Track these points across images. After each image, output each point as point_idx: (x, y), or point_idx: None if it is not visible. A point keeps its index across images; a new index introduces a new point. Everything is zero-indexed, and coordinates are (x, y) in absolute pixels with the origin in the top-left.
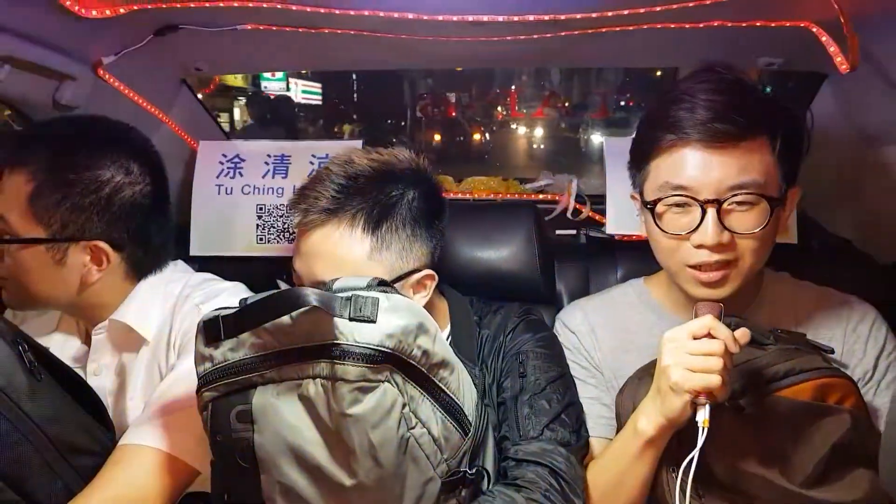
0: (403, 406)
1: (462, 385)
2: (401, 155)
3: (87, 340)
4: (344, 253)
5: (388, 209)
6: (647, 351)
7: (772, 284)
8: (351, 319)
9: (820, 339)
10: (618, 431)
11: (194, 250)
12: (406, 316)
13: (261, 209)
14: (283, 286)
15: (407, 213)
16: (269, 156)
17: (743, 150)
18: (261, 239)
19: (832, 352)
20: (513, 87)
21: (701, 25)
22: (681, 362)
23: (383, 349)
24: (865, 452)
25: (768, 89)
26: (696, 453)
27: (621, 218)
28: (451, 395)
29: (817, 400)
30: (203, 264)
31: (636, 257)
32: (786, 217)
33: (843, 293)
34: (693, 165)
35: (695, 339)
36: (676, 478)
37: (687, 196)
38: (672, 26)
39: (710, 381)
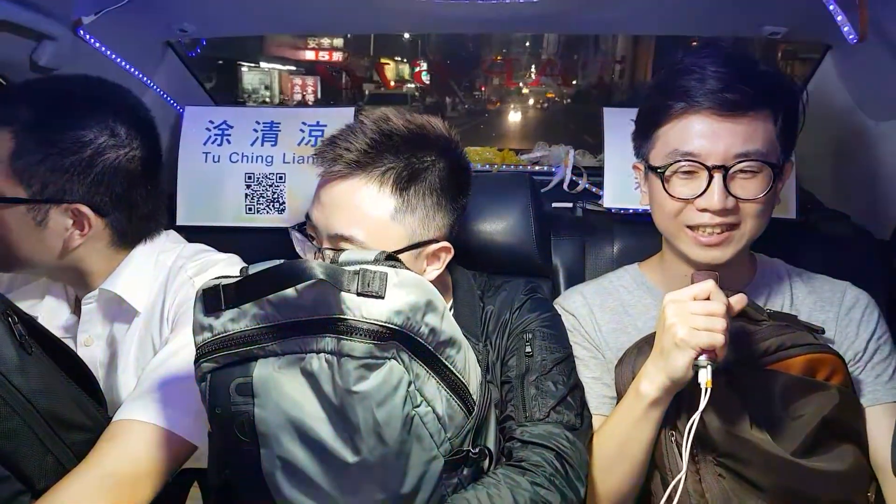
0: (409, 384)
1: (468, 364)
2: (434, 123)
3: (76, 310)
4: (368, 208)
5: (419, 173)
6: (645, 332)
7: (765, 269)
8: (359, 294)
9: (813, 322)
10: (618, 403)
11: (181, 220)
12: (415, 292)
13: (250, 178)
14: (296, 237)
15: (436, 181)
16: (257, 122)
17: (749, 120)
18: (250, 209)
19: (823, 331)
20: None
21: None
22: (686, 320)
23: (391, 326)
24: (851, 428)
25: None
26: (698, 414)
27: (619, 191)
28: (457, 373)
29: (807, 374)
30: (190, 234)
31: (633, 232)
32: (779, 190)
33: (836, 280)
34: (702, 133)
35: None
36: (677, 440)
37: (695, 162)
38: None
39: (715, 339)
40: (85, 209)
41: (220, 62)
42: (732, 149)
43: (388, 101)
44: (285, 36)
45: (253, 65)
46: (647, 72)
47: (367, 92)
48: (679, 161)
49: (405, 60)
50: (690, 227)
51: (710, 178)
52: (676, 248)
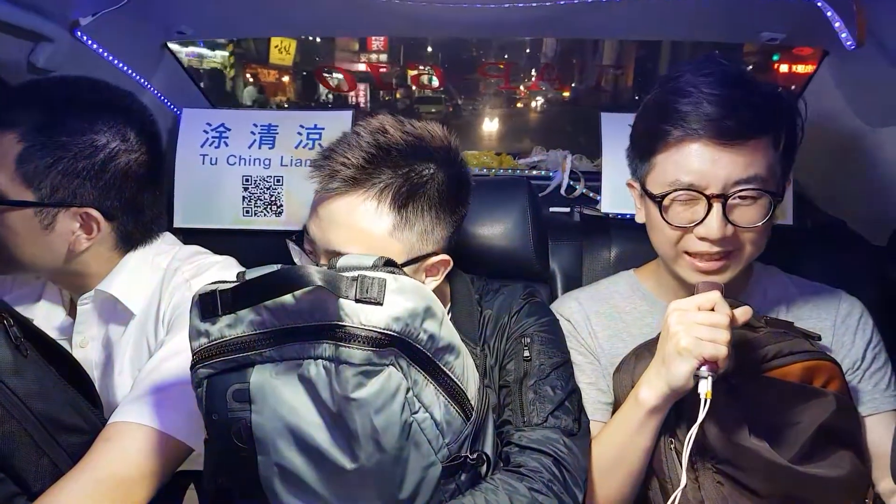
0: (407, 390)
1: (466, 369)
2: (434, 132)
3: (71, 312)
4: (366, 226)
5: (418, 188)
6: (640, 338)
7: (761, 276)
8: (357, 301)
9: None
10: (615, 410)
11: (178, 222)
12: (413, 298)
13: (247, 181)
14: (294, 248)
15: (435, 195)
16: (255, 125)
17: (749, 147)
18: (247, 212)
19: (819, 338)
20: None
21: None
22: (690, 330)
23: (390, 332)
24: (848, 434)
25: None
26: (697, 426)
27: (617, 196)
28: (456, 379)
29: (804, 381)
30: (187, 237)
31: (630, 237)
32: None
33: (831, 287)
34: (700, 161)
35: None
36: (676, 448)
37: (694, 191)
38: None
39: (718, 350)
40: (95, 213)
41: (305, 73)
42: (732, 177)
43: (430, 102)
44: (346, 52)
45: (325, 74)
46: (630, 77)
47: (398, 95)
48: (678, 191)
49: (425, 68)
50: (688, 253)
51: (710, 206)
52: (673, 271)
